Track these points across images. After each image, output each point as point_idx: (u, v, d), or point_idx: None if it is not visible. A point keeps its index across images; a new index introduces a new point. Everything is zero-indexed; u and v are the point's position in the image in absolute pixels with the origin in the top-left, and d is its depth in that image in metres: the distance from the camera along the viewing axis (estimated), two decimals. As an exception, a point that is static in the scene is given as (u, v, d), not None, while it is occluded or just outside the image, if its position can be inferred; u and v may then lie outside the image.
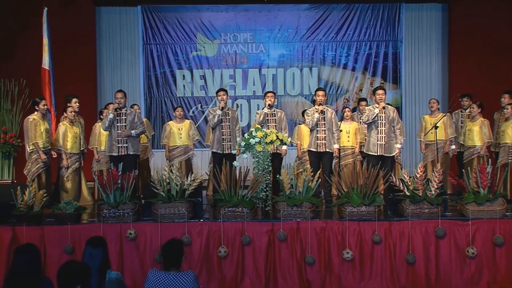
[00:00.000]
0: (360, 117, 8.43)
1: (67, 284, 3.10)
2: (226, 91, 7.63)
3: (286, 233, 5.68)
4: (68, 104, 7.71)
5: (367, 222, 5.73)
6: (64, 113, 7.71)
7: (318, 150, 7.28)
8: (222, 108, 7.36)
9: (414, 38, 11.10)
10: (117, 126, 7.19)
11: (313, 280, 5.68)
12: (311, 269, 5.68)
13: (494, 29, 10.19)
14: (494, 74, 10.05)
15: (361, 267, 5.69)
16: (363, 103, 8.78)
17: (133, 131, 7.20)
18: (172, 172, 5.94)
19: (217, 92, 7.59)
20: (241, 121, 10.23)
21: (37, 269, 3.52)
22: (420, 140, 8.55)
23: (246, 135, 6.50)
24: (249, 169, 6.34)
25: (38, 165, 7.11)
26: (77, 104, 7.75)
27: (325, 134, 7.26)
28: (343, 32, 11.08)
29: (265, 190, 6.28)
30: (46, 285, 3.46)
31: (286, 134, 6.98)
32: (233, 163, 6.31)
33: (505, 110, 7.71)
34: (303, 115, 7.68)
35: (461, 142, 8.18)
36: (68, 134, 7.55)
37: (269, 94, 7.63)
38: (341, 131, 7.71)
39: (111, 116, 7.12)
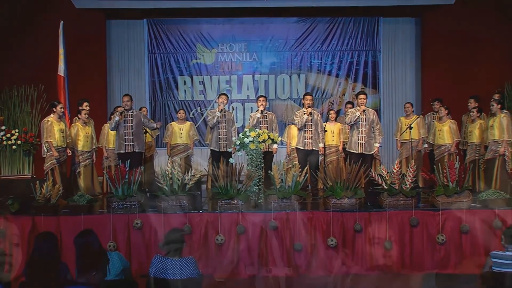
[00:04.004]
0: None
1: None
2: (227, 95, 7.67)
3: (277, 223, 5.69)
4: (80, 108, 7.72)
5: (349, 212, 5.76)
6: (79, 115, 7.74)
7: (306, 148, 7.32)
8: (221, 111, 7.39)
9: (391, 48, 11.12)
10: (124, 126, 7.23)
11: (301, 265, 5.70)
12: (299, 255, 5.69)
13: (461, 40, 10.22)
14: (462, 81, 10.07)
15: (344, 253, 5.72)
16: (349, 105, 8.80)
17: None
18: (175, 168, 5.96)
19: (219, 96, 7.63)
20: (236, 122, 10.20)
21: (55, 254, 3.55)
22: (397, 139, 8.62)
23: (241, 135, 6.52)
24: (243, 165, 6.35)
25: (52, 161, 7.13)
26: (88, 107, 7.76)
27: (312, 134, 7.30)
28: (328, 43, 11.08)
29: (258, 184, 6.30)
30: (63, 269, 3.50)
31: (277, 134, 7.00)
32: (229, 160, 6.32)
33: (471, 113, 7.80)
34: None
35: (431, 142, 8.24)
36: (80, 134, 7.58)
37: (261, 98, 7.64)
38: (326, 131, 7.74)
39: (117, 119, 7.18)
